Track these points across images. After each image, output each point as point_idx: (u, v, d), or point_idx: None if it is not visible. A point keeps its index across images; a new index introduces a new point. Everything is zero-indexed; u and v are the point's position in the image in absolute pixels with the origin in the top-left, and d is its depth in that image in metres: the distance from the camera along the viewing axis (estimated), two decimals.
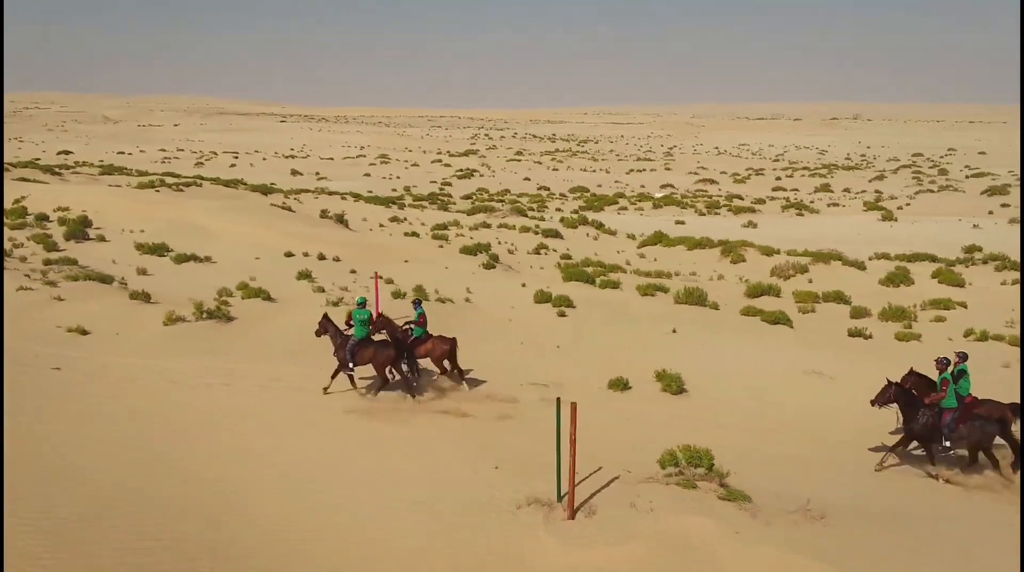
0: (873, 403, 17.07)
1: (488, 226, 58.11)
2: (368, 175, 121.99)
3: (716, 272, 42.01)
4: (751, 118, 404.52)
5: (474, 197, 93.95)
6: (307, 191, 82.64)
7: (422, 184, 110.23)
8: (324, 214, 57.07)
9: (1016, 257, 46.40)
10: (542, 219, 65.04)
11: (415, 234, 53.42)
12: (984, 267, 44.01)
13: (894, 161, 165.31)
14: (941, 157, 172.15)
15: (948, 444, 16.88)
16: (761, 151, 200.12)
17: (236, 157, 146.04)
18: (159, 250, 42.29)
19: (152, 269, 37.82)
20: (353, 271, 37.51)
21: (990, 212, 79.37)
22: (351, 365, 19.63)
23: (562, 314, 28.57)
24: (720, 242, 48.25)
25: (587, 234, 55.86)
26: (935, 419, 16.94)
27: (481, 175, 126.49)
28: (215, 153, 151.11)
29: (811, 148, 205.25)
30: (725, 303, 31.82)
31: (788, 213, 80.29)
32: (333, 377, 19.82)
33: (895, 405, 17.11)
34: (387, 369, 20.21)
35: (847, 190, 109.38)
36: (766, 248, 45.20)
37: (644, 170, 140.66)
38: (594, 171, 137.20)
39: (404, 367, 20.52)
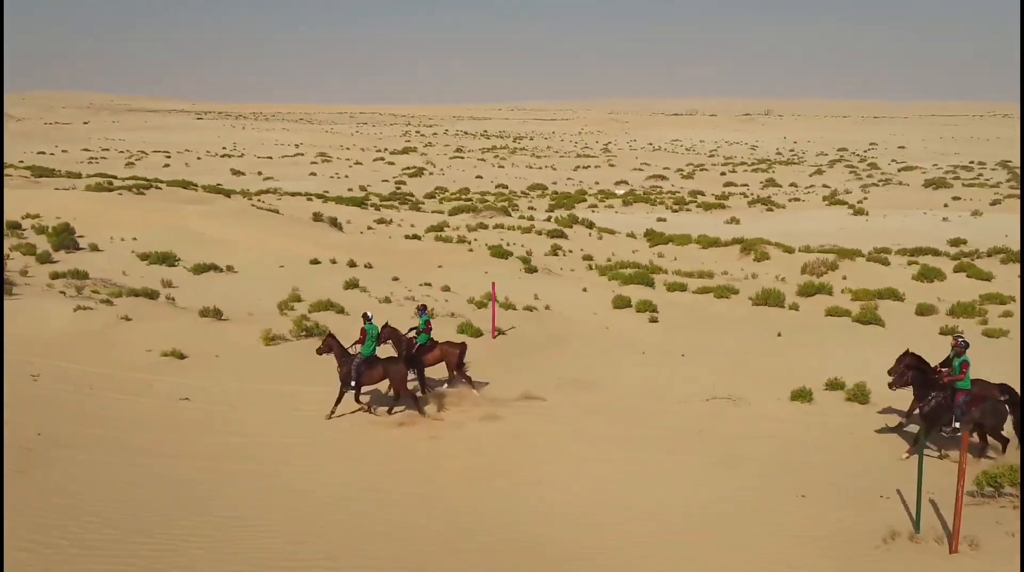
0: (891, 386, 17.54)
1: (485, 227, 56.99)
2: (315, 175, 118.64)
3: (745, 270, 42.14)
4: (667, 113, 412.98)
5: (439, 197, 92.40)
6: (267, 192, 79.70)
7: (374, 183, 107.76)
8: (317, 217, 54.87)
9: (1013, 248, 48.40)
10: (531, 218, 64.29)
11: (416, 237, 51.89)
12: (990, 260, 45.62)
13: (823, 156, 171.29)
14: (866, 151, 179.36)
15: (958, 425, 16.92)
16: (695, 147, 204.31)
17: (168, 157, 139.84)
18: (168, 259, 39.66)
19: (174, 281, 35.40)
20: (395, 278, 35.90)
21: (945, 205, 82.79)
22: (354, 383, 18.55)
23: (653, 320, 27.95)
24: (735, 240, 48.55)
25: (589, 234, 55.40)
26: (948, 400, 17.07)
27: (431, 173, 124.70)
28: (144, 153, 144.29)
29: (742, 144, 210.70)
30: (789, 303, 31.82)
31: (756, 208, 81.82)
32: (337, 402, 18.51)
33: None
34: (405, 382, 19.32)
35: (793, 185, 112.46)
36: (786, 246, 45.69)
37: (588, 166, 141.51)
38: (540, 168, 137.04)
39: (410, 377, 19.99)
